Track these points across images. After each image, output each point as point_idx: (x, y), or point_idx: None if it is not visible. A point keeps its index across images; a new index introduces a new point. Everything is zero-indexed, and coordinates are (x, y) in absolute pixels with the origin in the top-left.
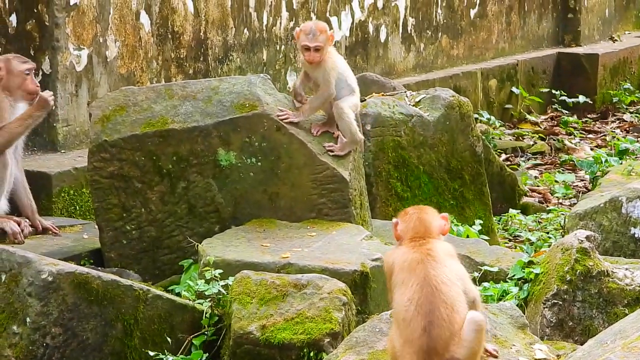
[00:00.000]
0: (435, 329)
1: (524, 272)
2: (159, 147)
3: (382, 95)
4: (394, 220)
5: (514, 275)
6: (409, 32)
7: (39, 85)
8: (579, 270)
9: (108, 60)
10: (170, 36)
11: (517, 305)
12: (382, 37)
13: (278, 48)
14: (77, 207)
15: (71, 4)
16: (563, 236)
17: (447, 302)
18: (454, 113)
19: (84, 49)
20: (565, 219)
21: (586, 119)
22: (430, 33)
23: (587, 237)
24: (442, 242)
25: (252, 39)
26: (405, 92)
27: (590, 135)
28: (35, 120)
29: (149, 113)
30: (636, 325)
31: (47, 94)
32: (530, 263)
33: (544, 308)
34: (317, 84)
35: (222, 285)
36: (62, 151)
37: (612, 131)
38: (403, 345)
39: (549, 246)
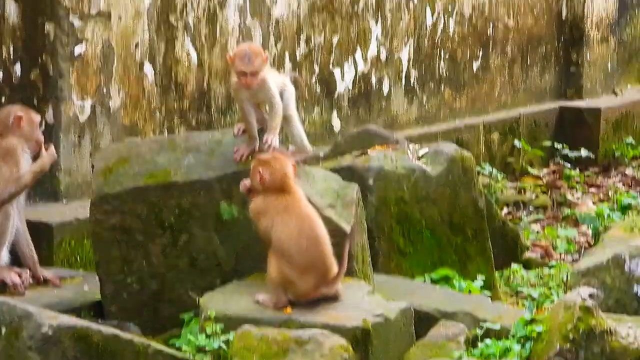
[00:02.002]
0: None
1: (526, 329)
2: (162, 200)
3: (385, 148)
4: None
5: (516, 333)
6: (412, 84)
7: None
8: (582, 329)
9: (111, 110)
10: (173, 87)
11: None
12: (385, 89)
13: None
14: (78, 258)
15: (75, 54)
16: (565, 292)
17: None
18: (456, 168)
19: (87, 99)
20: (567, 276)
21: (588, 173)
22: (433, 85)
23: (590, 295)
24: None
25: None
26: (408, 145)
27: (593, 189)
28: (41, 173)
29: (152, 165)
30: None
31: (52, 149)
32: (532, 321)
33: None
34: (264, 103)
35: (223, 340)
36: (64, 201)
37: (614, 186)
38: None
39: (551, 302)
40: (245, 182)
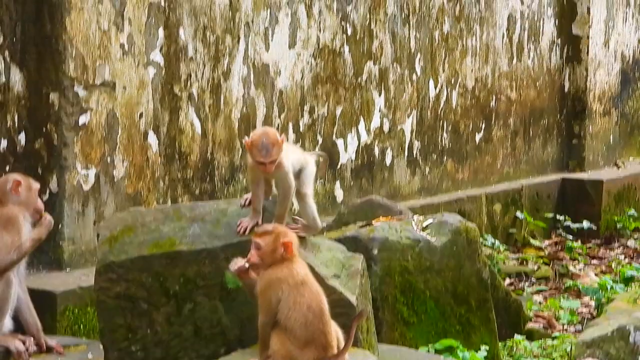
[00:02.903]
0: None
1: None
2: (167, 269)
3: (389, 219)
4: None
5: None
6: (415, 155)
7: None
8: None
9: (115, 180)
10: (177, 156)
11: None
12: (388, 160)
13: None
14: (82, 327)
15: (80, 123)
16: None
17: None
18: (461, 239)
19: (91, 168)
20: (572, 346)
21: (590, 245)
22: (435, 157)
23: None
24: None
25: None
26: (412, 216)
27: (595, 261)
28: (39, 242)
29: (157, 234)
30: None
31: (50, 217)
32: None
33: None
34: (275, 182)
35: None
36: (68, 270)
37: (616, 257)
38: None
39: None
40: (249, 257)
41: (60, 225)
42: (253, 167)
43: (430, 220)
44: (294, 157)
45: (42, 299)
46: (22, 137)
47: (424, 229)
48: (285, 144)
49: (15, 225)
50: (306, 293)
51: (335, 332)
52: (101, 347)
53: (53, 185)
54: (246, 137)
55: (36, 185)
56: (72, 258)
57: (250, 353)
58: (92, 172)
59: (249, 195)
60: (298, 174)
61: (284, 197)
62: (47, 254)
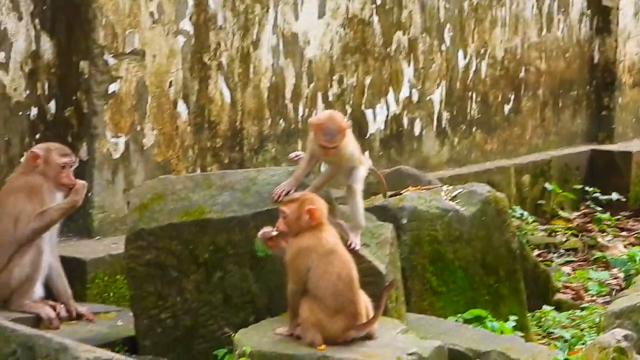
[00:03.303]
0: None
1: None
2: (196, 237)
3: (419, 189)
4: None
5: None
6: (444, 126)
7: (73, 178)
8: None
9: (145, 148)
10: (206, 125)
11: None
12: (417, 130)
13: None
14: (111, 294)
15: (110, 92)
16: (598, 334)
17: None
18: (490, 209)
19: (121, 136)
20: (600, 317)
21: (619, 217)
22: (464, 128)
23: (625, 337)
24: None
25: (287, 130)
26: (441, 186)
27: (623, 233)
28: (71, 210)
29: (187, 202)
30: None
31: (81, 185)
32: None
33: None
34: (329, 160)
35: None
36: (97, 238)
37: None
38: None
39: (584, 344)
40: (277, 225)
41: (90, 194)
42: (314, 145)
43: (459, 190)
44: (355, 151)
45: (72, 267)
46: (52, 105)
47: (453, 198)
48: (349, 133)
49: (38, 194)
50: (336, 262)
51: (365, 301)
52: (131, 314)
53: (83, 153)
54: (313, 119)
55: (61, 160)
56: (101, 226)
57: (279, 321)
58: (121, 140)
59: (300, 154)
60: (351, 170)
61: (329, 172)
62: (77, 222)
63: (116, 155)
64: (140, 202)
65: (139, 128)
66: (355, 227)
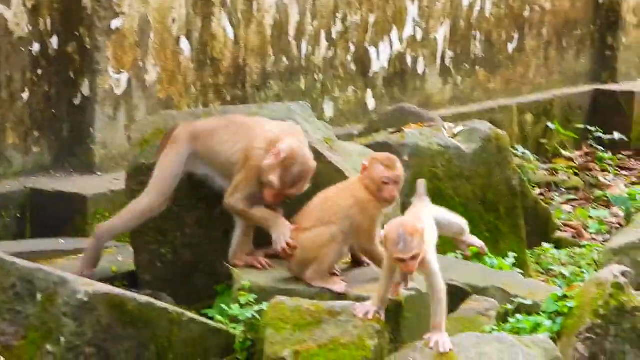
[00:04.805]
0: None
1: (557, 305)
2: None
3: (420, 126)
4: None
5: (547, 309)
6: (447, 64)
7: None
8: (613, 305)
9: (147, 84)
10: (209, 62)
11: (550, 338)
12: (420, 69)
13: (316, 77)
14: None
15: (112, 27)
16: (596, 271)
17: None
18: (491, 146)
19: (123, 72)
20: (599, 254)
21: (621, 156)
22: (467, 66)
23: (623, 273)
24: None
25: (290, 68)
26: (442, 123)
27: (625, 172)
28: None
29: None
30: None
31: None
32: (564, 297)
33: (577, 342)
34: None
35: (256, 311)
36: (99, 173)
37: None
38: None
39: (582, 281)
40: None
41: (91, 129)
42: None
43: (460, 127)
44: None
45: (73, 202)
46: (54, 40)
47: (454, 135)
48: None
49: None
50: None
51: None
52: (131, 249)
53: (85, 89)
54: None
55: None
56: (103, 162)
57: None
58: (124, 76)
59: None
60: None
61: (437, 299)
62: (78, 157)
63: (118, 92)
64: (142, 137)
65: (141, 64)
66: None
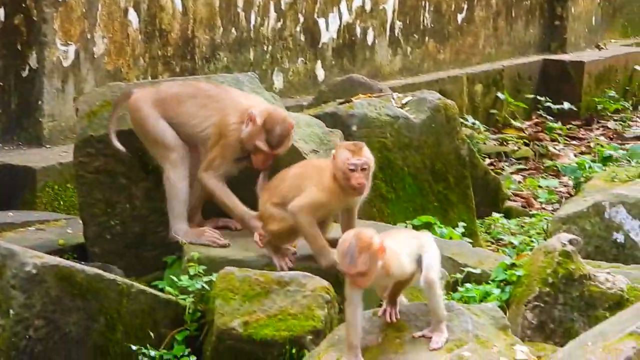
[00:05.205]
0: None
1: (506, 274)
2: None
3: (369, 96)
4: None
5: (496, 277)
6: (396, 35)
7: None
8: (561, 273)
9: (95, 56)
10: (157, 34)
11: (499, 306)
12: (370, 40)
13: (265, 48)
14: (61, 202)
15: None
16: (546, 239)
17: None
18: (439, 116)
19: (71, 44)
20: (548, 223)
21: (570, 126)
22: (417, 37)
23: (570, 241)
24: None
25: (239, 39)
26: (391, 94)
27: (574, 142)
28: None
29: None
30: (617, 328)
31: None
32: (512, 265)
33: (525, 310)
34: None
35: (205, 281)
36: (47, 146)
37: (596, 138)
38: None
39: (532, 250)
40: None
41: (39, 102)
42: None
43: (409, 98)
44: (408, 246)
45: (22, 175)
46: (1, 12)
47: (403, 105)
48: (388, 240)
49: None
50: None
51: None
52: (80, 222)
53: (32, 61)
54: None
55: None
56: (51, 134)
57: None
58: (71, 48)
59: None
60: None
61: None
62: (27, 130)
63: (66, 64)
64: (89, 109)
65: (89, 36)
66: (435, 328)
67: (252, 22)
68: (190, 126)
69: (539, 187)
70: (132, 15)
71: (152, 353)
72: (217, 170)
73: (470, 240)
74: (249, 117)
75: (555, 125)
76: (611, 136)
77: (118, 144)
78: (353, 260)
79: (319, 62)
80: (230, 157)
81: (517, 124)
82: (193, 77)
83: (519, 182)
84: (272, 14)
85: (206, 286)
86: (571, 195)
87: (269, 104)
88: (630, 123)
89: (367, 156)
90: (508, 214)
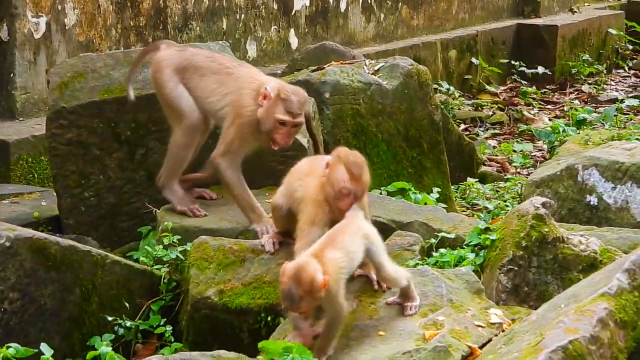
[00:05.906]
0: None
1: (480, 238)
2: (118, 114)
3: (342, 63)
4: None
5: (470, 242)
6: (369, 2)
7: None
8: (534, 237)
9: (66, 27)
10: (129, 4)
11: (473, 271)
12: (343, 6)
13: (238, 17)
14: (35, 175)
15: None
16: (520, 203)
17: None
18: (412, 82)
19: (42, 16)
20: (522, 187)
21: (545, 90)
22: (390, 3)
23: (543, 204)
24: None
25: (211, 8)
26: (364, 60)
27: (549, 106)
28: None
29: (108, 80)
30: (589, 290)
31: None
32: (486, 230)
33: (499, 274)
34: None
35: (180, 251)
36: (20, 119)
37: (570, 102)
38: None
39: (506, 214)
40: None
41: (12, 74)
42: None
43: (382, 64)
44: (352, 247)
45: None
46: None
47: (375, 72)
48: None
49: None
50: None
51: None
52: (54, 194)
53: (4, 33)
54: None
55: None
56: (24, 107)
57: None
58: (42, 20)
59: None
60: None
61: (331, 325)
62: None
63: (37, 35)
64: (61, 81)
65: (60, 7)
66: (403, 296)
67: None
68: (208, 102)
69: (514, 151)
70: None
71: (128, 324)
72: (235, 155)
73: (445, 206)
74: (263, 95)
75: (529, 89)
76: (585, 100)
77: (131, 94)
78: (294, 303)
79: (292, 30)
80: (247, 138)
81: (491, 89)
82: (217, 44)
83: (494, 147)
84: None
85: (181, 256)
86: (546, 159)
87: (279, 79)
88: (605, 86)
89: (365, 181)
90: (483, 179)
